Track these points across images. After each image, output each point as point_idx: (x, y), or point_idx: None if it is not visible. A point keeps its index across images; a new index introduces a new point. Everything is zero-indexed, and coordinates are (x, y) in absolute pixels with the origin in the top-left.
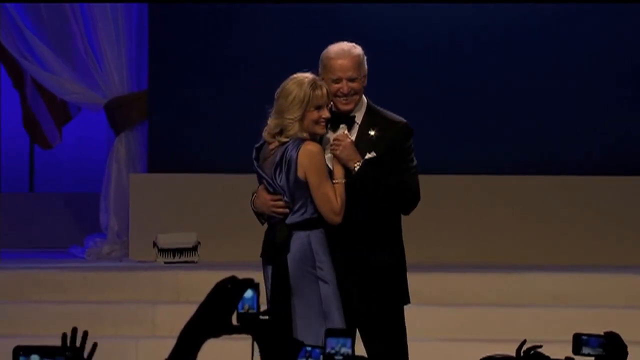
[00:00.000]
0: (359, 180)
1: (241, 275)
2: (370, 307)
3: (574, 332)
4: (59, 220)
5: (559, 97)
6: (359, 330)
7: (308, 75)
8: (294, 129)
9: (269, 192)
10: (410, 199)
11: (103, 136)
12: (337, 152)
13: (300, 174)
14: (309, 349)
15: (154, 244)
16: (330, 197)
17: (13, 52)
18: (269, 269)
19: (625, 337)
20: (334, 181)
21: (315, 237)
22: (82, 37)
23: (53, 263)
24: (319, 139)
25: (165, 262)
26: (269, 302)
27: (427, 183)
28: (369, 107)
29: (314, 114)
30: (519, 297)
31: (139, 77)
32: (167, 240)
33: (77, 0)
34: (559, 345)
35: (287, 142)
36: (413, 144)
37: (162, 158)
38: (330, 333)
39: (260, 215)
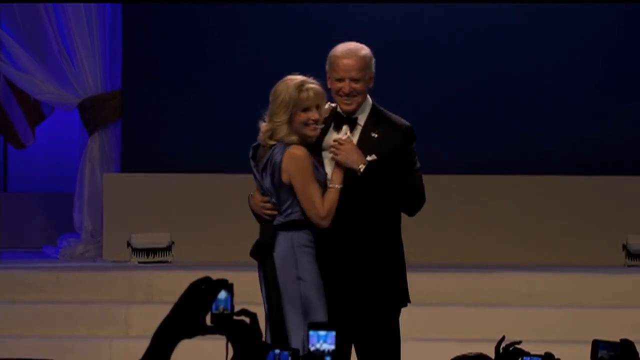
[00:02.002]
0: (365, 182)
1: (215, 275)
2: (367, 311)
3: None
4: (32, 220)
5: (545, 97)
6: (353, 337)
7: (297, 77)
8: (282, 131)
9: (261, 193)
10: (416, 201)
11: (76, 136)
12: (339, 157)
13: (284, 177)
14: (277, 351)
15: (128, 244)
16: (315, 202)
17: None
18: (261, 268)
19: (599, 336)
20: (329, 185)
21: (299, 238)
22: (56, 37)
23: (26, 263)
24: (317, 141)
25: (139, 262)
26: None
27: None
28: (373, 109)
29: (302, 116)
30: (492, 297)
31: (112, 77)
32: (141, 240)
33: (51, 0)
34: (533, 344)
35: (275, 145)
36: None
37: (135, 158)
38: (313, 326)
39: (257, 215)
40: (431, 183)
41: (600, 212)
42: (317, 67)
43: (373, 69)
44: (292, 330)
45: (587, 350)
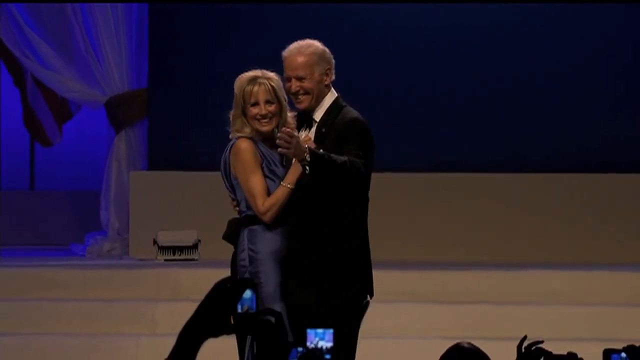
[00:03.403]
0: (313, 166)
1: None
2: (314, 304)
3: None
4: (60, 218)
5: (556, 95)
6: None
7: (251, 72)
8: (236, 124)
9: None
10: (350, 173)
11: (103, 134)
12: (289, 151)
13: (232, 171)
14: (300, 349)
15: (154, 242)
16: (255, 195)
17: (14, 50)
18: None
19: (623, 336)
20: (281, 183)
21: (253, 233)
22: (83, 35)
23: (53, 261)
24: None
25: (166, 260)
26: None
27: (427, 182)
28: (332, 105)
29: (251, 111)
30: (517, 295)
31: (139, 75)
32: (168, 237)
33: (78, 0)
34: (558, 342)
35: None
36: (365, 141)
37: (162, 155)
38: (310, 325)
39: None
40: (455, 181)
41: (625, 210)
42: (339, 64)
43: (327, 65)
44: None
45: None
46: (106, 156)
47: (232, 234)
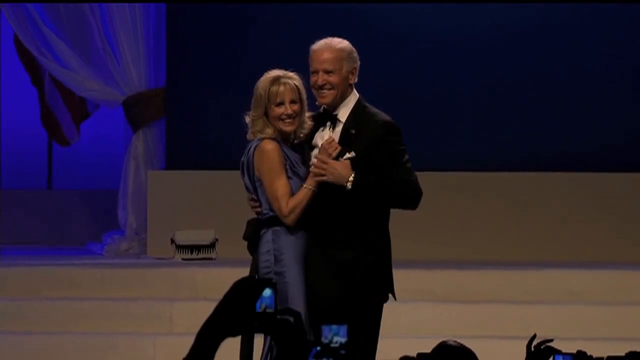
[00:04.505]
0: (355, 194)
1: None
2: (344, 307)
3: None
4: (77, 217)
5: (569, 94)
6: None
7: (274, 72)
8: (258, 125)
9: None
10: (411, 195)
11: (121, 133)
12: (326, 178)
13: (256, 172)
14: (319, 348)
15: (172, 241)
16: (278, 197)
17: (31, 49)
18: None
19: (638, 335)
20: (304, 185)
21: (277, 234)
22: (100, 34)
23: (71, 260)
24: (306, 139)
25: (183, 259)
26: None
27: (440, 180)
28: (357, 105)
29: (275, 111)
30: (534, 294)
31: (156, 74)
32: (185, 237)
33: (95, 0)
34: (571, 342)
35: (252, 140)
36: (403, 141)
37: (180, 155)
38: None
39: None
40: (475, 181)
41: None
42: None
43: (354, 64)
44: None
45: (630, 347)
46: (124, 155)
47: (253, 235)
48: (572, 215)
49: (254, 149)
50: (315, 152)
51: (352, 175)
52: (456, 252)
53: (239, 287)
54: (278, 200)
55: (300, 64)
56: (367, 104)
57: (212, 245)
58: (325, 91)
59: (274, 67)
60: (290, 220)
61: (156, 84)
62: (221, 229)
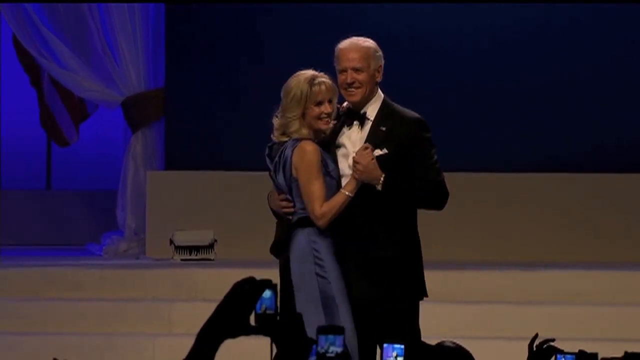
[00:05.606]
0: (387, 193)
1: (258, 273)
2: (380, 305)
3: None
4: (76, 218)
5: (569, 94)
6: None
7: (308, 72)
8: (294, 126)
9: (277, 191)
10: (439, 197)
11: (120, 134)
12: (357, 176)
13: (294, 172)
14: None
15: (171, 242)
16: (313, 199)
17: (31, 50)
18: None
19: None
20: (341, 190)
21: (315, 234)
22: (100, 35)
23: (70, 261)
24: (330, 138)
25: (182, 260)
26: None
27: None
28: (384, 103)
29: (315, 110)
30: (534, 295)
31: (155, 75)
32: (184, 237)
33: (94, 0)
34: (575, 342)
35: (287, 141)
36: (432, 142)
37: (179, 155)
38: (321, 331)
39: (276, 213)
40: (477, 182)
41: None
42: None
43: (379, 62)
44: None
45: (636, 348)
46: (123, 156)
47: (285, 238)
48: (572, 215)
49: (293, 149)
50: (342, 151)
51: (383, 175)
52: (456, 252)
53: (239, 288)
54: (313, 202)
55: (300, 64)
56: (392, 102)
57: (211, 246)
58: (353, 89)
59: (273, 67)
60: (323, 223)
61: (155, 85)
62: (220, 230)
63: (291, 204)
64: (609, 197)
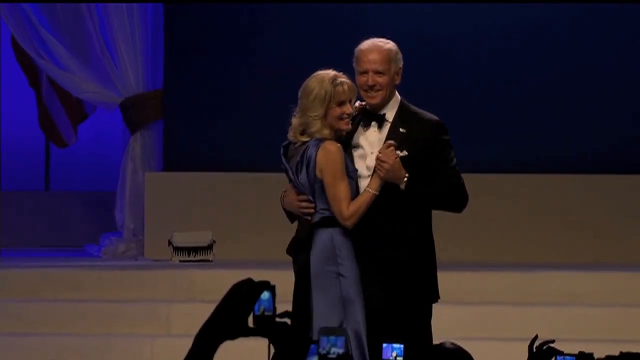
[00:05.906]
0: (408, 193)
1: (257, 274)
2: (395, 308)
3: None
4: (75, 219)
5: (569, 94)
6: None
7: (329, 72)
8: (316, 126)
9: (296, 192)
10: (459, 199)
11: (118, 135)
12: (382, 175)
13: (318, 173)
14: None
15: (170, 243)
16: (340, 200)
17: (29, 51)
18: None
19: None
20: (366, 188)
21: (338, 234)
22: (98, 36)
23: (68, 262)
24: (347, 138)
25: (181, 261)
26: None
27: None
28: (401, 105)
29: (337, 110)
30: (534, 295)
31: (154, 76)
32: (183, 238)
33: (93, 0)
34: (575, 344)
35: (309, 140)
36: (451, 144)
37: (177, 156)
38: (323, 332)
39: (289, 214)
40: (475, 182)
41: None
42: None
43: (399, 64)
44: (318, 321)
45: (636, 348)
46: (121, 157)
47: (306, 237)
48: (573, 216)
49: (317, 149)
50: (359, 152)
51: (407, 175)
52: (456, 252)
53: (237, 290)
54: (340, 203)
55: (300, 63)
56: (409, 103)
57: (209, 247)
58: (374, 92)
59: (273, 68)
60: (350, 223)
61: (153, 86)
62: (219, 231)
63: (312, 205)
64: (609, 197)
